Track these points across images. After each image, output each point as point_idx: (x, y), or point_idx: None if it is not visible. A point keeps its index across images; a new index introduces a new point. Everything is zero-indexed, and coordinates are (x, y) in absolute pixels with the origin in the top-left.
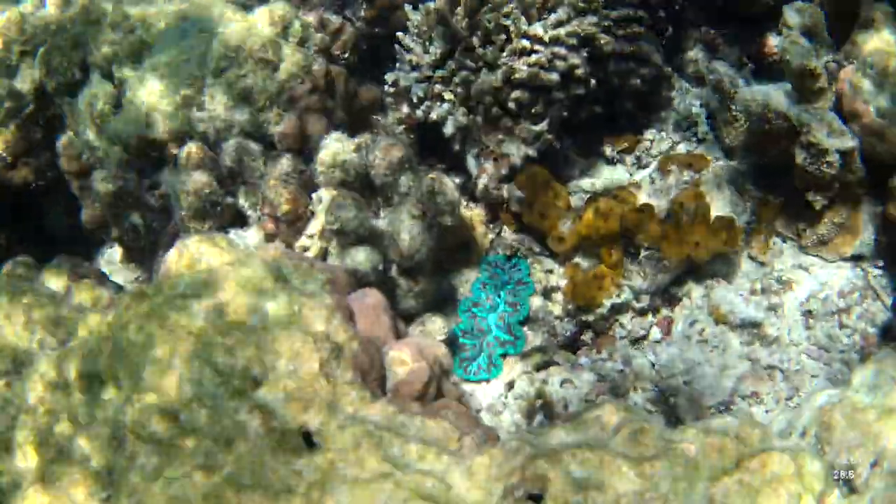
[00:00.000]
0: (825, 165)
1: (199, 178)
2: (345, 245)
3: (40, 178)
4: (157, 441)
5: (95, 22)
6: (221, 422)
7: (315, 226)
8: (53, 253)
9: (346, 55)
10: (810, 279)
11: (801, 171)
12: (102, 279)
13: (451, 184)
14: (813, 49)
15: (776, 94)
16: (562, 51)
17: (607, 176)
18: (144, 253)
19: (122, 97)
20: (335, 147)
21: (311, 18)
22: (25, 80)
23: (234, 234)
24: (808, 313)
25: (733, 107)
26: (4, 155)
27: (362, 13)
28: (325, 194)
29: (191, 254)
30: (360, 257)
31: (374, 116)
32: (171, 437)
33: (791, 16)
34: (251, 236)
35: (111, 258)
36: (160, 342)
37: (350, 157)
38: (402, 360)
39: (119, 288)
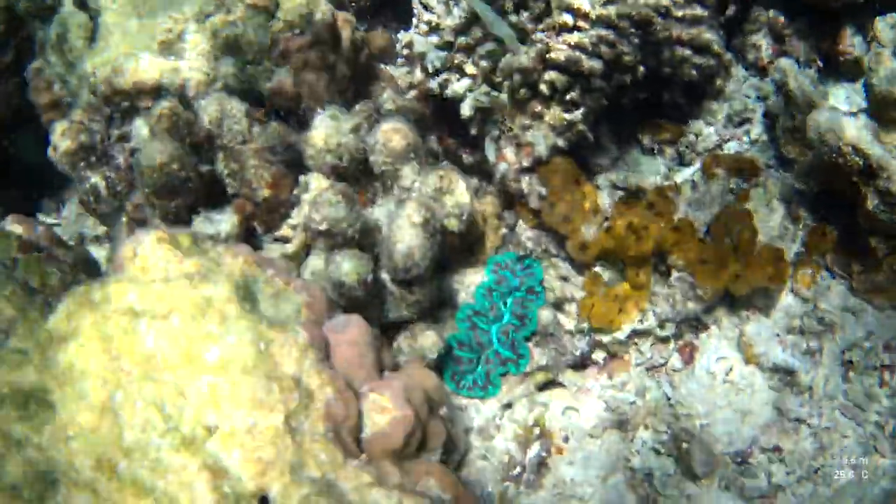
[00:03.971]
0: None
1: (166, 152)
2: (330, 247)
3: (8, 105)
4: (92, 491)
5: None
6: (165, 477)
7: (300, 215)
8: (28, 185)
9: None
10: (856, 325)
11: (870, 216)
12: (53, 249)
13: (462, 184)
14: None
15: (856, 127)
16: (610, 35)
17: (643, 169)
18: (107, 217)
19: (95, 30)
20: (328, 127)
21: None
22: None
23: (204, 217)
24: (849, 364)
25: (798, 116)
26: None
27: None
28: (313, 181)
29: (146, 257)
30: (347, 267)
31: (385, 66)
32: (109, 490)
33: (884, 30)
34: (225, 221)
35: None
36: (101, 369)
37: (345, 140)
38: (383, 407)
39: (73, 258)
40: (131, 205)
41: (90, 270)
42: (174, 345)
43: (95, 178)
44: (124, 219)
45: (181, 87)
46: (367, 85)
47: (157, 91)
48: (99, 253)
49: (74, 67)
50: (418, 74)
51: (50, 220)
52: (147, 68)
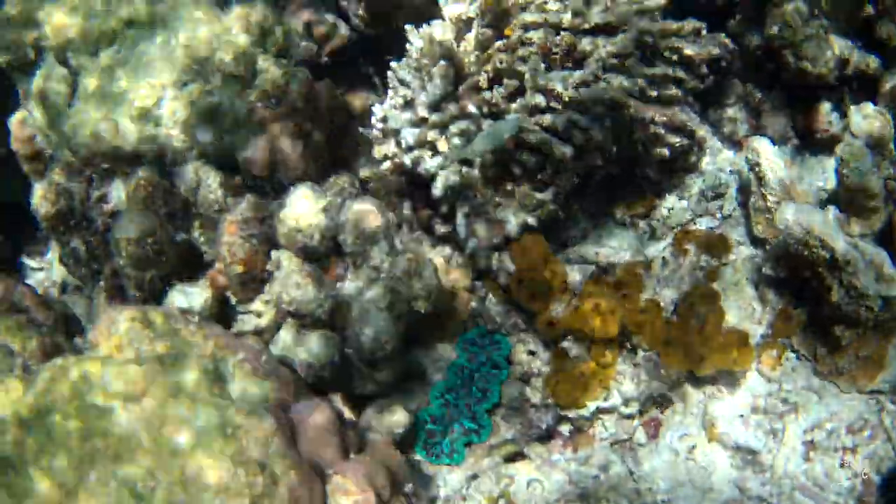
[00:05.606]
0: (863, 309)
1: (141, 225)
2: (300, 326)
3: None
4: None
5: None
6: None
7: (271, 291)
8: (12, 227)
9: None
10: (819, 406)
11: (834, 308)
12: (34, 310)
13: (430, 265)
14: (874, 164)
15: (823, 222)
16: (582, 120)
17: (615, 244)
18: (85, 280)
19: (75, 88)
20: (299, 207)
21: (296, 22)
22: None
23: (179, 290)
24: (810, 444)
25: (770, 196)
26: None
27: (359, 12)
28: (283, 260)
29: (120, 337)
30: (315, 349)
31: (363, 129)
32: None
33: (858, 123)
34: (199, 295)
35: None
36: (76, 447)
37: (315, 221)
38: (347, 490)
39: (55, 317)
40: (109, 269)
41: (70, 329)
42: (146, 427)
43: (76, 242)
44: (102, 283)
45: (159, 154)
46: (344, 148)
47: (135, 157)
48: (80, 303)
49: (55, 122)
50: (392, 147)
51: (33, 264)
52: (125, 134)
